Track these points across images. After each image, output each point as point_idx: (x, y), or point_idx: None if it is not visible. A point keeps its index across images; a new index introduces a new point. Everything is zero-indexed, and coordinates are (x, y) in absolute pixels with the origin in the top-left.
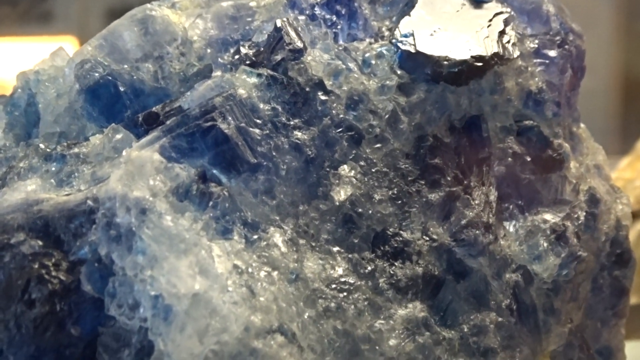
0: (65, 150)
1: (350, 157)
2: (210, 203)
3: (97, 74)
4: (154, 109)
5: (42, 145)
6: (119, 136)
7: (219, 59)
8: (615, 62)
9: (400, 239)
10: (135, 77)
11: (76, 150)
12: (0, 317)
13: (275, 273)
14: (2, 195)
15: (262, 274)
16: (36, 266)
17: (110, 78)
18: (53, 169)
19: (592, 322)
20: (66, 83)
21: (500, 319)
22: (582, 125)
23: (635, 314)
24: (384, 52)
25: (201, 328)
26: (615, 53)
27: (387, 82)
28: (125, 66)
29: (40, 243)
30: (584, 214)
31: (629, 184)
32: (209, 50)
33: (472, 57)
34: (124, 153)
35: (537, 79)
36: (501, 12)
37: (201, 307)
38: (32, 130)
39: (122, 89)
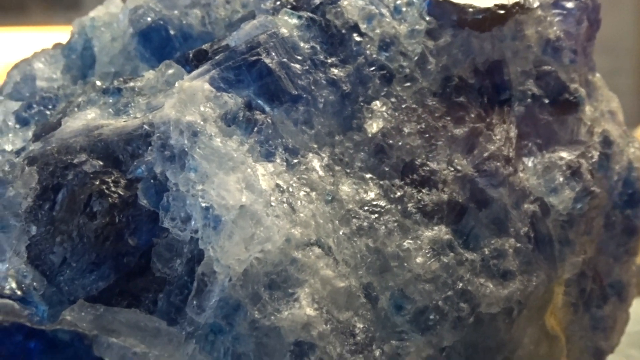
0: (121, 85)
1: (382, 93)
2: (255, 129)
3: (149, 19)
4: (203, 46)
5: (98, 82)
6: (171, 71)
7: (262, 5)
8: (638, 42)
9: (427, 168)
10: (184, 22)
11: (131, 84)
12: (64, 228)
13: (313, 193)
14: (64, 123)
15: (302, 193)
16: (97, 183)
17: (161, 22)
18: (110, 100)
19: (605, 257)
20: (120, 27)
21: (518, 245)
22: (597, 74)
23: None
24: (414, 0)
25: (247, 236)
26: (638, 34)
27: (417, 26)
28: (175, 12)
29: (101, 163)
30: (598, 153)
31: None
32: None
33: (495, 5)
34: (176, 84)
35: (555, 28)
36: None
37: (247, 218)
38: (88, 71)
39: (172, 32)
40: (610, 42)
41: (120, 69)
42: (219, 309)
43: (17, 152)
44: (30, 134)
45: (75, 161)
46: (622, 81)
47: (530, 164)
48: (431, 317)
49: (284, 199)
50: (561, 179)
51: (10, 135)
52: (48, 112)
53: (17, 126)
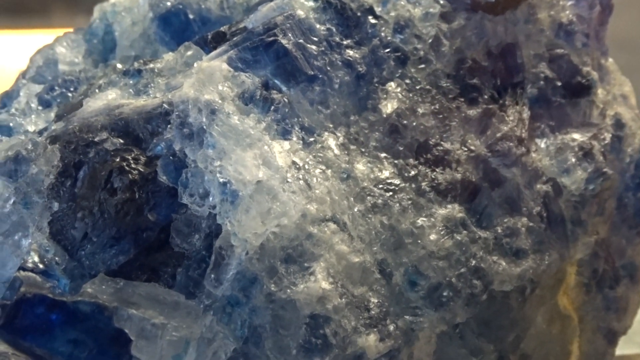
0: (141, 66)
1: (397, 75)
2: (272, 107)
3: (169, 3)
4: (221, 28)
5: (119, 65)
6: (190, 52)
7: None
8: None
9: (441, 148)
10: (203, 7)
11: (151, 65)
12: (85, 204)
13: (329, 171)
14: (85, 103)
15: (317, 171)
16: (117, 160)
17: (180, 7)
18: (130, 82)
19: (617, 238)
20: (140, 12)
21: (531, 224)
22: (610, 59)
23: None
24: None
25: (264, 211)
26: None
27: (431, 9)
28: None
29: (121, 141)
30: (610, 136)
31: None
32: None
33: None
34: (195, 65)
35: (567, 12)
36: None
37: (264, 193)
38: (109, 55)
39: (191, 16)
40: (628, 39)
41: (140, 53)
42: (236, 281)
43: (40, 132)
44: (52, 115)
45: (96, 139)
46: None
47: (542, 145)
48: (445, 293)
49: (300, 176)
50: (573, 160)
51: (33, 116)
52: (70, 95)
53: (40, 108)
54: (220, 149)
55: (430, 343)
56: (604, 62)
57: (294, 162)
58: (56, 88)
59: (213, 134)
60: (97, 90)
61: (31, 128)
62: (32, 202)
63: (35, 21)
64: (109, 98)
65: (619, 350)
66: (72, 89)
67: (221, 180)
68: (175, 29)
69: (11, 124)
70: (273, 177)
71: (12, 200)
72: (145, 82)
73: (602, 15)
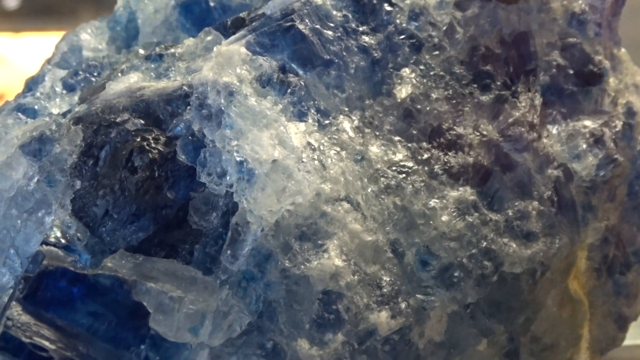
0: (163, 51)
1: (411, 61)
2: (289, 90)
3: None
4: (240, 14)
5: (141, 50)
6: (209, 38)
7: None
8: None
9: (454, 132)
10: None
11: (172, 50)
12: (106, 182)
13: (343, 152)
14: (108, 86)
15: (332, 152)
16: (138, 140)
17: None
18: (152, 66)
19: (628, 225)
20: (163, 0)
21: (542, 208)
22: (622, 49)
23: None
24: None
25: (279, 189)
26: None
27: None
28: None
29: (142, 122)
30: (621, 123)
31: None
32: None
33: None
34: (214, 49)
35: (580, 1)
36: None
37: (279, 172)
38: (132, 42)
39: (212, 4)
40: None
41: (162, 39)
42: (252, 257)
43: (64, 114)
44: (76, 98)
45: (118, 120)
46: None
47: (554, 131)
48: (456, 274)
49: (315, 157)
50: (584, 146)
51: (57, 99)
52: (93, 79)
53: (64, 92)
54: (238, 129)
55: (441, 322)
56: (616, 52)
57: (309, 143)
58: (80, 73)
59: (231, 114)
60: (119, 74)
61: (55, 111)
62: (56, 180)
63: (63, 23)
64: (130, 81)
65: (631, 340)
66: (95, 74)
67: (238, 159)
68: (196, 16)
69: (36, 107)
70: (288, 156)
71: (36, 179)
72: (166, 66)
73: (615, 6)
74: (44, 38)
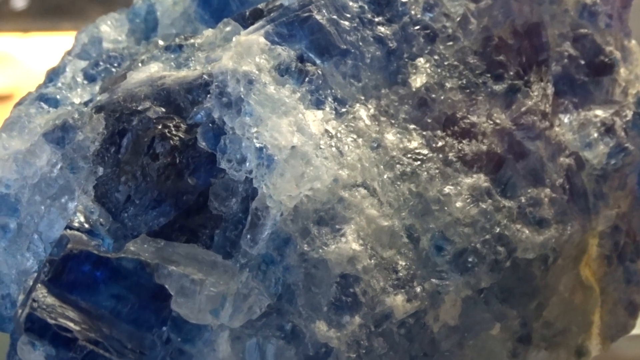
0: (182, 42)
1: (426, 51)
2: (307, 79)
3: None
4: (259, 5)
5: (161, 42)
6: (228, 28)
7: None
8: None
9: (468, 121)
10: None
11: (191, 41)
12: (128, 169)
13: (360, 140)
14: (129, 76)
15: (349, 139)
16: (160, 127)
17: None
18: (172, 56)
19: (639, 213)
20: None
21: (554, 195)
22: (633, 40)
23: None
24: None
25: (298, 175)
26: None
27: None
28: None
29: (163, 110)
30: (632, 113)
31: None
32: None
33: None
34: (233, 39)
35: None
36: None
37: (298, 158)
38: (151, 34)
39: None
40: None
41: (181, 31)
42: (271, 241)
43: (85, 104)
44: (97, 88)
45: (139, 108)
46: None
47: (566, 120)
48: (470, 259)
49: (332, 143)
50: (596, 135)
51: (78, 89)
52: (114, 70)
53: (85, 82)
54: (257, 116)
55: (455, 306)
56: (627, 43)
57: (326, 131)
58: (101, 63)
59: (250, 102)
60: (140, 65)
61: (77, 100)
62: (78, 167)
63: (72, 23)
64: (151, 71)
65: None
66: (115, 65)
67: (258, 145)
68: (215, 8)
69: (58, 97)
70: (307, 143)
71: (59, 166)
72: (186, 56)
73: None
74: (53, 38)
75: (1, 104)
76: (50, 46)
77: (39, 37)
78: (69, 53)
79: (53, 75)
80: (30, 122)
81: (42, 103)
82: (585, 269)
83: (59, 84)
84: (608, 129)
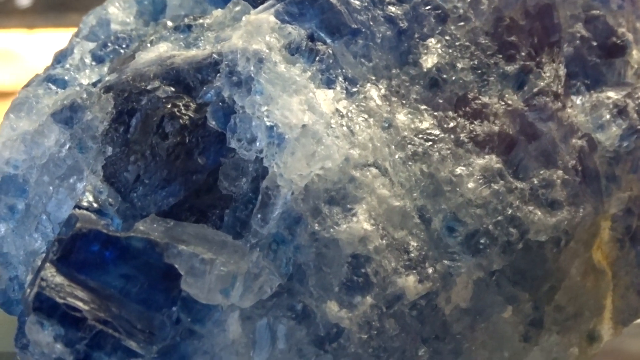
0: (191, 22)
1: (437, 31)
2: (317, 58)
3: None
4: None
5: (169, 22)
6: (238, 8)
7: None
8: None
9: (479, 102)
10: None
11: (201, 21)
12: (137, 148)
13: (371, 120)
14: (137, 56)
15: (360, 119)
16: (169, 106)
17: None
18: (181, 36)
19: None
20: None
21: (566, 177)
22: None
23: None
24: None
25: (309, 153)
26: None
27: None
28: None
29: (172, 89)
30: None
31: None
32: None
33: None
34: (243, 18)
35: None
36: None
37: (309, 137)
38: (159, 16)
39: None
40: None
41: (189, 12)
42: (282, 220)
43: (94, 84)
44: (105, 69)
45: (148, 87)
46: None
47: (578, 102)
48: (482, 240)
49: (343, 123)
50: (608, 117)
51: (87, 70)
52: (122, 51)
53: (94, 63)
54: (268, 95)
55: (467, 289)
56: (639, 26)
57: (337, 110)
58: (109, 45)
59: (261, 81)
60: (148, 45)
61: (85, 81)
62: (87, 147)
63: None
64: (160, 51)
65: None
66: (124, 46)
67: (268, 124)
68: None
69: (66, 77)
70: (318, 122)
71: (67, 146)
72: (195, 36)
73: None
74: (57, 34)
75: (6, 100)
76: (55, 43)
77: (43, 34)
78: (76, 35)
79: (61, 57)
80: (38, 102)
81: (50, 84)
82: (597, 252)
83: (67, 65)
84: (620, 111)
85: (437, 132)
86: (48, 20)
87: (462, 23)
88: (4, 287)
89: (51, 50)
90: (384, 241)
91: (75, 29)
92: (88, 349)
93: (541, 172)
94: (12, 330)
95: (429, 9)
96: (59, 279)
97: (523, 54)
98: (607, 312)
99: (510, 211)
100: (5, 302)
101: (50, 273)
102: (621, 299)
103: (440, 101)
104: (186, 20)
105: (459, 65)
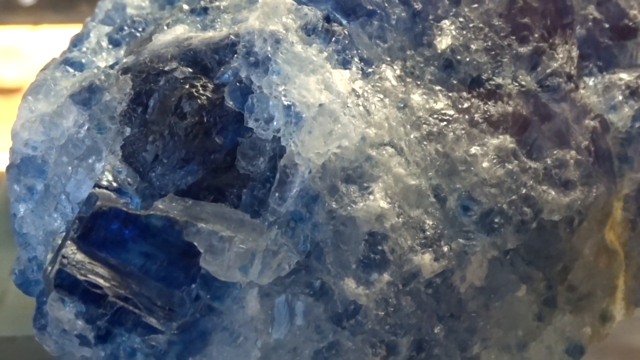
0: (207, 4)
1: (451, 13)
2: (333, 39)
3: None
4: None
5: (185, 6)
6: None
7: None
8: None
9: (493, 82)
10: None
11: (217, 3)
12: (155, 128)
13: (386, 100)
14: (154, 38)
15: (376, 99)
16: (187, 87)
17: None
18: (197, 19)
19: None
20: None
21: (579, 157)
22: None
23: None
24: None
25: (326, 132)
26: None
27: None
28: None
29: (190, 70)
30: None
31: None
32: None
33: None
34: (259, 0)
35: None
36: None
37: (326, 115)
38: (174, 1)
39: None
40: None
41: None
42: (299, 198)
43: (111, 67)
44: (122, 52)
45: (166, 68)
46: None
47: (591, 83)
48: (496, 219)
49: (360, 103)
50: (620, 98)
51: (104, 53)
52: (138, 34)
53: (110, 46)
54: (285, 74)
55: (482, 267)
56: None
57: (353, 90)
58: (125, 28)
59: (278, 61)
60: (165, 28)
61: (102, 64)
62: (106, 127)
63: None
64: (177, 32)
65: None
66: (140, 29)
67: (286, 103)
68: None
69: (83, 60)
70: (334, 101)
71: (86, 127)
72: (212, 18)
73: None
74: (62, 31)
75: (11, 97)
76: (60, 39)
77: (48, 30)
78: (92, 19)
79: (77, 41)
80: (56, 85)
81: (67, 67)
82: (610, 232)
83: (84, 49)
84: (633, 92)
85: (451, 112)
86: (53, 16)
87: (475, 5)
88: (23, 267)
89: (56, 47)
90: (400, 219)
91: (80, 26)
92: (109, 325)
93: (554, 152)
94: (25, 315)
95: None
96: (79, 256)
97: (536, 35)
98: (619, 292)
99: (524, 191)
100: (24, 283)
101: (71, 250)
102: (633, 280)
103: (455, 82)
104: (202, 2)
105: (473, 47)
